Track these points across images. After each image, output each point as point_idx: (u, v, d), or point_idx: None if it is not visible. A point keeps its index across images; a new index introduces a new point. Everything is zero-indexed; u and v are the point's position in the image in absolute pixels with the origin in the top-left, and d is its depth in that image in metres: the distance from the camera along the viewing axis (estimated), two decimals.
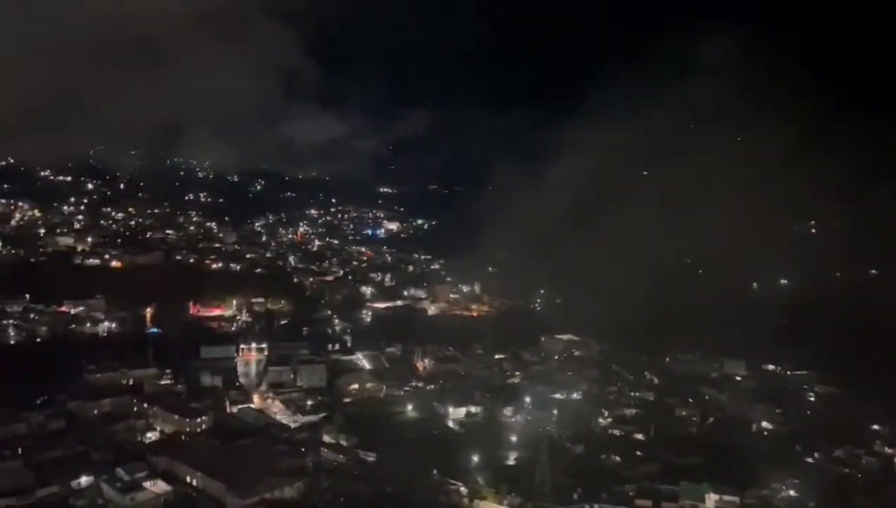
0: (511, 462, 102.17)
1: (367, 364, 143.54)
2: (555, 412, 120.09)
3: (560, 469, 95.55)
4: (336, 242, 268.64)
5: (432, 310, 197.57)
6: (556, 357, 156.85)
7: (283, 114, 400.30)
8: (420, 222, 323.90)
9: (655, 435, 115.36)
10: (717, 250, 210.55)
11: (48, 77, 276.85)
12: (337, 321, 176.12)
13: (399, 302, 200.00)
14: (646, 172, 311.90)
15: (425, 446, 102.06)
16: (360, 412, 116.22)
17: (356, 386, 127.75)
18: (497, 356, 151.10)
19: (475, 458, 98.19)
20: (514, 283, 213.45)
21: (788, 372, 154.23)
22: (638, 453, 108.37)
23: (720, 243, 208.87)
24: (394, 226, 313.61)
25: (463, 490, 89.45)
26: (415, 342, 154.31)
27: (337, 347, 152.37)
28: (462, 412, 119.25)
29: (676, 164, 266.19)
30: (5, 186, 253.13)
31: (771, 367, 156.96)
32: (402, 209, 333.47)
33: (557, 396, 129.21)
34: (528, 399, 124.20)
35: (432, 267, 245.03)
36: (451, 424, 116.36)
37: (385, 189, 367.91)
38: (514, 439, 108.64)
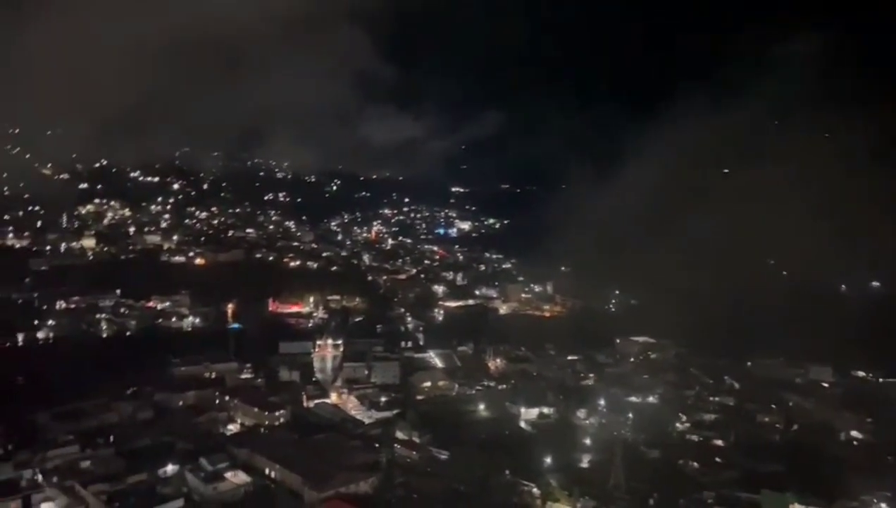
0: (584, 464, 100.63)
1: (439, 362, 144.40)
2: (630, 415, 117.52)
3: (635, 473, 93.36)
4: (409, 241, 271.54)
5: (504, 310, 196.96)
6: (632, 360, 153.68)
7: (358, 115, 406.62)
8: (492, 221, 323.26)
9: (735, 442, 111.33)
10: (803, 251, 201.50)
11: (138, 82, 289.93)
12: (410, 318, 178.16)
13: (471, 301, 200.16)
14: (726, 170, 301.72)
15: (497, 445, 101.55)
16: (433, 410, 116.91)
17: (429, 384, 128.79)
18: (570, 358, 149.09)
19: (548, 460, 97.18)
20: (588, 283, 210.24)
21: (880, 380, 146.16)
22: (717, 459, 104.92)
23: (806, 243, 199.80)
24: (466, 225, 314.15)
25: (535, 491, 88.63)
26: (486, 341, 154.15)
27: (409, 344, 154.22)
28: (534, 412, 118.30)
29: (759, 161, 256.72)
30: (98, 186, 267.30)
31: (861, 374, 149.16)
32: (473, 209, 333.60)
33: (633, 399, 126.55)
34: (602, 402, 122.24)
35: (504, 266, 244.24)
36: (523, 424, 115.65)
37: (457, 188, 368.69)
38: (587, 441, 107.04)
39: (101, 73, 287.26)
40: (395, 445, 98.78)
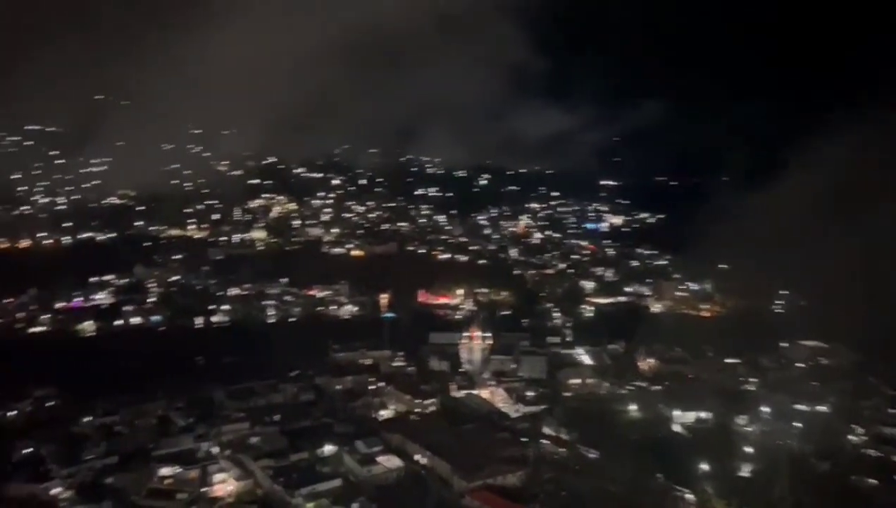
0: (745, 473, 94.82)
1: (587, 360, 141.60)
2: (797, 424, 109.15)
3: (802, 486, 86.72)
4: (557, 235, 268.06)
5: (657, 308, 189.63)
6: (800, 365, 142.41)
7: (509, 109, 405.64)
8: (645, 215, 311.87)
9: None
10: None
11: (302, 84, 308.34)
12: (557, 314, 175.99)
13: (622, 298, 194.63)
14: None
15: (649, 448, 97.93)
16: (581, 407, 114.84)
17: (577, 381, 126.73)
18: (730, 360, 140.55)
19: (704, 466, 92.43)
20: (752, 282, 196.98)
21: None
22: None
23: None
24: (617, 220, 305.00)
25: (690, 497, 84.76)
26: (638, 340, 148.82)
27: (557, 340, 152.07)
28: (690, 416, 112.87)
29: None
30: (267, 182, 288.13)
31: None
32: (626, 202, 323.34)
33: (800, 407, 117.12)
34: (765, 408, 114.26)
35: (658, 263, 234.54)
36: (677, 428, 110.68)
37: (608, 182, 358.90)
38: (748, 449, 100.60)
39: (270, 76, 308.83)
40: (543, 440, 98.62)
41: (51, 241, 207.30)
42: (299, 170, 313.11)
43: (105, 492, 79.40)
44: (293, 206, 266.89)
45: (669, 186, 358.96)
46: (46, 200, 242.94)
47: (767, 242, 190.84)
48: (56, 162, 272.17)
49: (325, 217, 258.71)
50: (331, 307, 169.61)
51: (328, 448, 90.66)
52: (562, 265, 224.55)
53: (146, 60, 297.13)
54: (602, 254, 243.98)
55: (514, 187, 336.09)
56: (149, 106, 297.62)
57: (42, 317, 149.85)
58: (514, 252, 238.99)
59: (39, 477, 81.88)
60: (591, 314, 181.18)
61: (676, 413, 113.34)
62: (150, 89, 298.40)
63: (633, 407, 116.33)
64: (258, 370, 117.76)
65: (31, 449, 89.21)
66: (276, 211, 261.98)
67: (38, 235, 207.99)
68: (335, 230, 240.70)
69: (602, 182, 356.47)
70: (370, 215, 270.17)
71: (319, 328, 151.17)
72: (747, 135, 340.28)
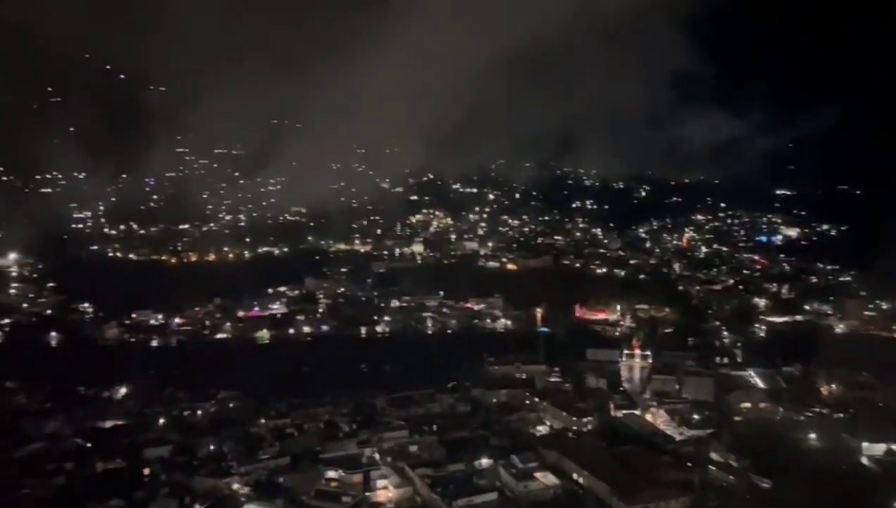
0: None
1: (759, 382, 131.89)
2: None
3: None
4: (725, 249, 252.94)
5: (841, 328, 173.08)
6: None
7: (671, 117, 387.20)
8: (826, 227, 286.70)
9: None
10: None
11: (461, 101, 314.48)
12: (725, 333, 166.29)
13: (799, 317, 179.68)
14: None
15: (831, 480, 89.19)
16: (753, 433, 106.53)
17: (748, 405, 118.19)
18: None
19: None
20: None
21: None
22: None
23: None
24: (793, 232, 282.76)
25: None
26: (818, 362, 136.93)
27: (725, 360, 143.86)
28: (880, 448, 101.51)
29: None
30: (426, 197, 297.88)
31: None
32: (803, 213, 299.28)
33: None
34: None
35: (841, 279, 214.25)
36: (864, 461, 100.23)
37: (783, 191, 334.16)
38: None
39: (428, 95, 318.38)
40: (710, 466, 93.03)
41: (233, 255, 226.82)
42: (456, 185, 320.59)
43: (278, 491, 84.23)
44: (450, 220, 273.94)
45: (853, 195, 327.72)
46: (229, 217, 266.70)
47: None
48: (238, 182, 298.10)
49: (480, 231, 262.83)
50: (486, 321, 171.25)
51: (484, 461, 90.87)
52: (731, 281, 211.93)
53: (317, 86, 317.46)
54: (776, 269, 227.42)
55: (676, 199, 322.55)
56: (319, 128, 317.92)
57: (225, 325, 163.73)
58: (677, 267, 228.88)
59: (221, 473, 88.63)
60: (764, 334, 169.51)
61: (864, 444, 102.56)
62: (320, 113, 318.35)
63: (812, 435, 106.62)
64: (417, 380, 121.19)
65: (213, 447, 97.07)
66: (434, 226, 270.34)
67: (223, 249, 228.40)
68: (490, 244, 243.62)
69: (776, 191, 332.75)
70: (525, 229, 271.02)
71: (475, 341, 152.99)
72: None
